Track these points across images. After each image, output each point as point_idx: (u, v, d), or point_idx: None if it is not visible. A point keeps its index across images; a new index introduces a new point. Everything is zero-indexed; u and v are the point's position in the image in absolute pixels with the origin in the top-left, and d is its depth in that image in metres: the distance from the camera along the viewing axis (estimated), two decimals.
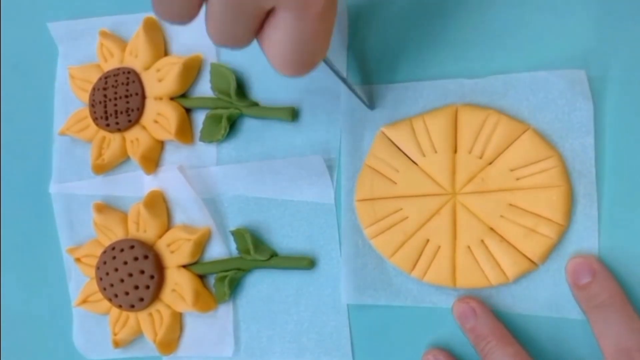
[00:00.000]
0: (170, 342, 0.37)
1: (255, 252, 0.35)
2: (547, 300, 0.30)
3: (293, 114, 0.35)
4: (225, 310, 0.36)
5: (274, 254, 0.35)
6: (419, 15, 0.33)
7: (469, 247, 0.30)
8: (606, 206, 0.30)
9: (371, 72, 0.34)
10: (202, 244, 0.36)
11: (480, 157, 0.31)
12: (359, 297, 0.33)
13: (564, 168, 0.30)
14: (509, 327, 0.30)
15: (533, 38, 0.31)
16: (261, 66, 0.36)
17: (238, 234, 0.35)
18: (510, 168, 0.30)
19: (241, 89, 0.36)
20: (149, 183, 0.38)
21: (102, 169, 0.39)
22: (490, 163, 0.30)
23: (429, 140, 0.31)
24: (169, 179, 0.37)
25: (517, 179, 0.30)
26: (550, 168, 0.29)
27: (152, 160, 0.38)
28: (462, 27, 0.33)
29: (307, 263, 0.34)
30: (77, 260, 0.39)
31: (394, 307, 0.33)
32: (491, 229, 0.30)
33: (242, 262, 0.35)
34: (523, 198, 0.30)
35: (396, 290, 0.32)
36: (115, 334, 0.37)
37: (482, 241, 0.30)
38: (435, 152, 0.31)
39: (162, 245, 0.36)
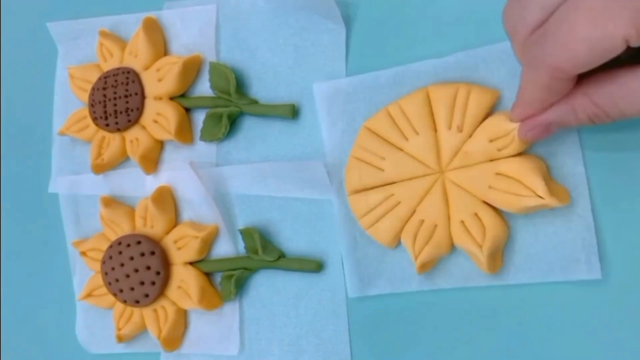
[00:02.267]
0: (174, 339, 0.37)
1: (264, 252, 0.35)
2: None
3: (293, 111, 0.35)
4: (230, 309, 0.36)
5: (281, 255, 0.35)
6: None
7: (462, 221, 0.31)
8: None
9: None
10: (209, 242, 0.36)
11: (461, 131, 0.31)
12: (363, 289, 0.33)
13: None
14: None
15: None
16: (260, 64, 0.36)
17: (247, 234, 0.35)
18: (490, 138, 0.30)
19: (241, 87, 0.36)
20: (154, 180, 0.38)
21: (101, 168, 0.39)
22: (470, 135, 0.31)
23: (408, 124, 0.32)
24: (178, 176, 0.37)
25: (499, 150, 0.30)
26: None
27: (152, 160, 0.38)
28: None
29: (315, 266, 0.34)
30: (83, 253, 0.39)
31: (394, 310, 0.33)
32: (483, 202, 0.30)
33: (249, 262, 0.35)
34: (507, 166, 0.30)
35: (400, 277, 0.33)
36: (119, 329, 0.37)
37: (476, 214, 0.30)
38: (417, 133, 0.31)
39: (169, 242, 0.36)
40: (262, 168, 0.36)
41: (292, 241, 0.35)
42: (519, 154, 0.30)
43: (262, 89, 0.36)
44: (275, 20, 0.36)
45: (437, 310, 0.32)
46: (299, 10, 0.35)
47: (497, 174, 0.30)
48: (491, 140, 0.30)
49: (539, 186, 0.28)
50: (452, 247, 0.31)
